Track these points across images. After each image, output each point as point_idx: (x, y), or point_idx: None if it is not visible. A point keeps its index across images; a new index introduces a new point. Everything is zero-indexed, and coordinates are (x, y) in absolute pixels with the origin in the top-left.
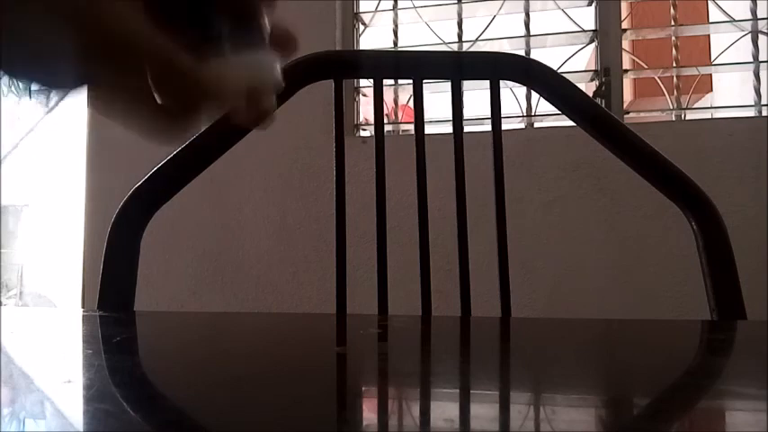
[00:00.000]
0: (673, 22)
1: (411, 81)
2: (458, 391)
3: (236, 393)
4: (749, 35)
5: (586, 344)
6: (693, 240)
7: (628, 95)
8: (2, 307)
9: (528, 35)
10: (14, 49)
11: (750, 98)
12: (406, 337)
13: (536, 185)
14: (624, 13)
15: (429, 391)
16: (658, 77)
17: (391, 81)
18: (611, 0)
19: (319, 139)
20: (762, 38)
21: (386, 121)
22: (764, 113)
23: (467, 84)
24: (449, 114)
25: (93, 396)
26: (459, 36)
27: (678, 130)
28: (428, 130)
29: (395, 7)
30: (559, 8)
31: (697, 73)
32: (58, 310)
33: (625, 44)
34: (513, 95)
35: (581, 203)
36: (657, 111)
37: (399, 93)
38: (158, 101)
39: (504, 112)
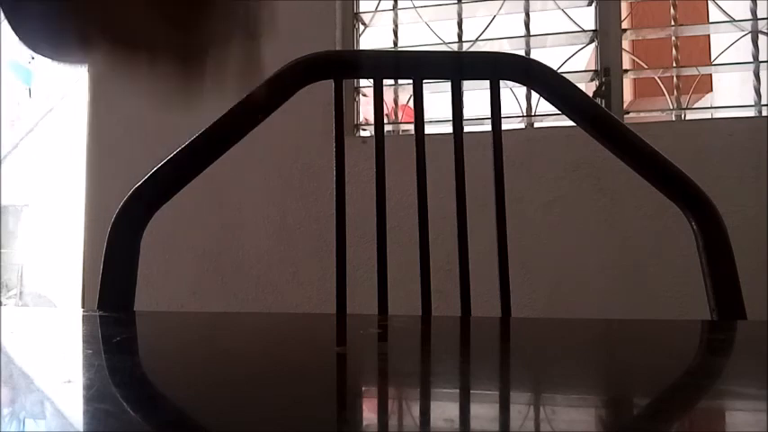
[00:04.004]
0: (673, 22)
1: (411, 81)
2: (458, 391)
3: (236, 393)
4: (749, 35)
5: (586, 344)
6: (693, 240)
7: (628, 95)
8: (2, 307)
9: (528, 35)
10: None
11: (750, 98)
12: (406, 337)
13: (536, 185)
14: (624, 13)
15: (429, 391)
16: (658, 77)
17: (391, 81)
18: (611, 0)
19: (319, 139)
20: (762, 38)
21: (386, 121)
22: (764, 113)
23: (467, 84)
24: (449, 114)
25: (93, 396)
26: (460, 36)
27: (678, 130)
28: (428, 130)
29: (395, 7)
30: (559, 8)
31: (697, 73)
32: (58, 310)
33: (625, 44)
34: (513, 95)
35: (581, 203)
36: (657, 111)
37: (399, 93)
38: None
39: (504, 112)
